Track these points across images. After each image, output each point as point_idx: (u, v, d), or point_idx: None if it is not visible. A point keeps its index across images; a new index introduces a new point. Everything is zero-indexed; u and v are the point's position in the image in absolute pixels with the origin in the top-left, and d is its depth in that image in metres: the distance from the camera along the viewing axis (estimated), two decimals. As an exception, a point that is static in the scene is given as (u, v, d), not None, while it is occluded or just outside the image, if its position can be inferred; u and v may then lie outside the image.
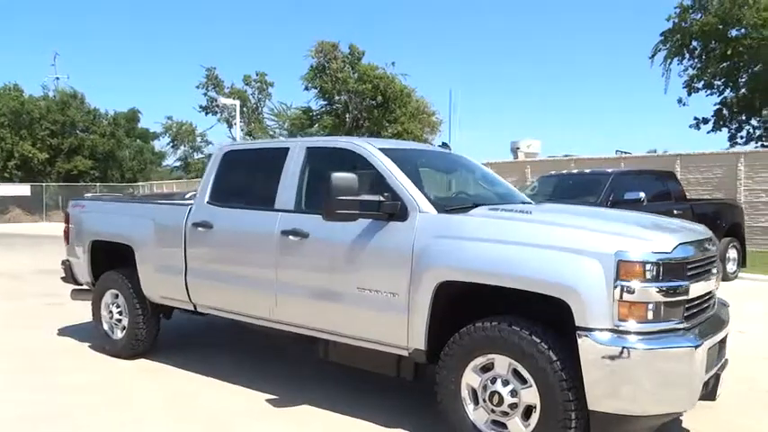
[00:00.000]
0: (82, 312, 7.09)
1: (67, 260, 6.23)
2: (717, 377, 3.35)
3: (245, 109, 40.40)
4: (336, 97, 34.73)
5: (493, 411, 3.34)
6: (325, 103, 35.63)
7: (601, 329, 2.99)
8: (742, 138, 25.29)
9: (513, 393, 3.27)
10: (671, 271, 3.05)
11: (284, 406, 4.31)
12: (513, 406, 3.27)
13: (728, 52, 21.40)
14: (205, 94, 41.73)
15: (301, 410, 4.21)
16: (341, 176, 3.65)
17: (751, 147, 23.59)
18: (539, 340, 3.16)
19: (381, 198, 3.73)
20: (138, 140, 50.64)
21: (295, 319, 4.27)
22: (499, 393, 3.29)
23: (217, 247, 4.72)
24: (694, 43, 22.98)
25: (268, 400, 4.40)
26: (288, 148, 4.53)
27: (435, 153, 4.91)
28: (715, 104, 25.01)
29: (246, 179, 4.95)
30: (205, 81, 40.95)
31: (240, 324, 4.89)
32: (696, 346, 3.03)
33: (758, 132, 25.38)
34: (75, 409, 4.25)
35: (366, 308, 3.81)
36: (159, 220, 5.20)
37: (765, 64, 21.88)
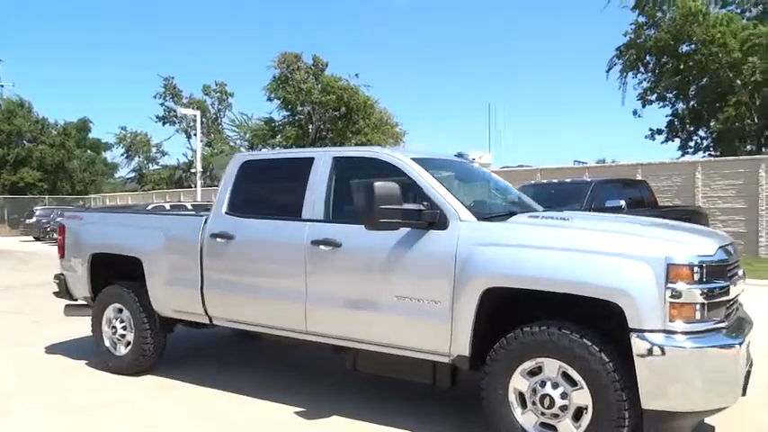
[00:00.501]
0: (63, 330, 6.90)
1: (62, 274, 6.00)
2: (748, 374, 3.52)
3: (204, 119, 39.70)
4: (299, 108, 34.60)
5: (543, 414, 3.40)
6: (288, 113, 35.45)
7: (653, 330, 3.10)
8: (691, 148, 26.53)
9: (564, 396, 3.34)
10: (714, 273, 3.20)
11: (315, 418, 4.25)
12: (564, 408, 3.34)
13: (681, 67, 22.43)
14: (162, 104, 40.94)
15: (333, 422, 4.18)
16: (383, 185, 3.67)
17: (698, 156, 24.81)
18: (590, 343, 3.25)
19: (421, 207, 3.77)
20: (89, 151, 49.03)
21: (326, 330, 4.24)
22: (550, 396, 3.36)
23: (238, 258, 4.64)
24: (648, 58, 23.99)
25: (297, 413, 4.34)
26: (312, 158, 4.51)
27: (456, 162, 4.98)
28: (667, 116, 26.21)
29: (267, 189, 4.90)
30: (163, 91, 40.13)
31: (260, 336, 4.83)
32: (740, 344, 3.19)
33: (705, 143, 26.69)
34: (102, 430, 4.09)
35: (406, 316, 3.82)
36: (171, 231, 5.08)
37: (712, 78, 23.06)
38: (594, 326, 3.38)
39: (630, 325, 3.13)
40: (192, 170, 34.94)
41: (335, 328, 4.19)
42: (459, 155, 5.15)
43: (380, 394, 4.71)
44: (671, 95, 25.08)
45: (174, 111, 39.43)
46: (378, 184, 3.67)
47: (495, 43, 65.58)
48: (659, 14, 22.55)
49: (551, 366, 3.38)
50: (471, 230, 3.69)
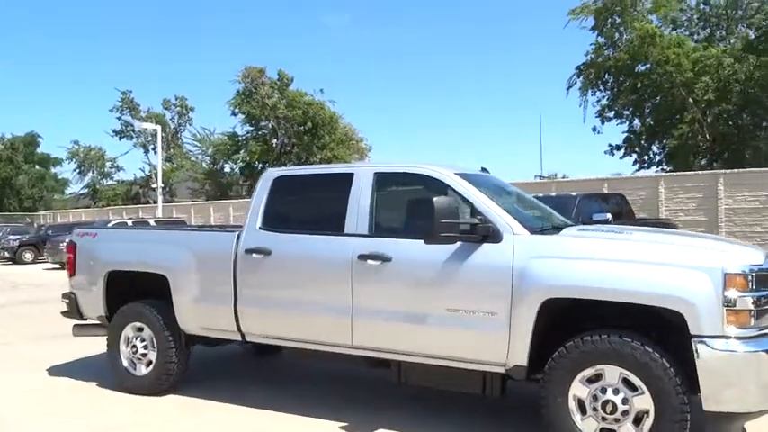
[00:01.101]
0: (60, 352, 6.71)
1: (72, 293, 5.80)
2: None
3: (163, 134, 38.90)
4: (263, 123, 34.35)
5: (604, 419, 3.53)
6: (252, 128, 35.12)
7: (713, 336, 3.29)
8: (646, 163, 27.70)
9: (625, 401, 3.48)
10: (763, 281, 3.42)
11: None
12: (625, 413, 3.48)
13: (638, 85, 23.49)
14: (119, 118, 39.87)
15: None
16: (443, 200, 3.77)
17: (652, 171, 25.93)
18: (651, 350, 3.41)
19: (477, 221, 3.88)
20: (37, 166, 47.28)
21: (373, 343, 4.27)
22: (612, 402, 3.49)
23: (277, 273, 4.62)
24: (607, 77, 25.02)
25: (342, 428, 4.34)
26: (352, 174, 4.55)
27: (484, 177, 5.11)
28: (623, 132, 27.34)
29: (303, 205, 4.91)
30: (120, 104, 39.12)
31: (296, 351, 4.80)
32: (787, 348, 3.41)
33: (659, 158, 27.94)
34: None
35: (460, 328, 3.90)
36: (201, 247, 5.02)
37: (666, 96, 24.22)
38: (647, 334, 3.54)
39: (692, 332, 3.31)
40: (153, 186, 34.16)
41: (383, 341, 4.22)
42: (484, 170, 5.28)
43: (410, 405, 4.75)
44: (628, 113, 26.19)
45: (132, 125, 38.50)
46: (437, 199, 3.76)
47: (454, 55, 66.75)
48: (617, 35, 23.58)
49: (612, 373, 3.51)
50: (526, 243, 3.81)
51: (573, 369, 3.59)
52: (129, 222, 22.62)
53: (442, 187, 4.22)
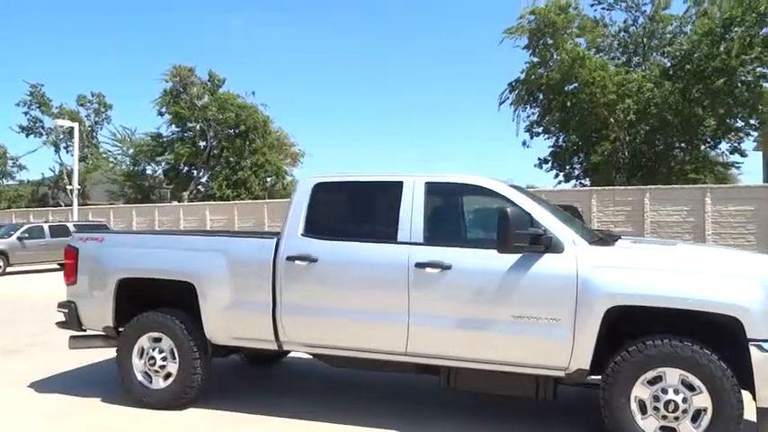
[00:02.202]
0: (33, 367, 6.33)
1: (72, 302, 5.42)
2: None
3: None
4: (191, 124, 33.19)
5: (664, 418, 3.80)
6: (178, 129, 33.81)
7: (766, 340, 3.64)
8: (572, 177, 29.37)
9: (684, 400, 3.77)
10: (803, 290, 3.84)
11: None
12: (684, 411, 3.77)
13: (567, 104, 24.93)
14: (27, 113, 37.05)
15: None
16: (515, 212, 3.93)
17: (570, 185, 27.55)
18: (710, 352, 3.72)
19: (541, 232, 4.06)
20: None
21: (429, 350, 4.32)
22: (674, 401, 3.76)
23: (325, 281, 4.56)
24: (539, 94, 26.36)
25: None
26: (401, 183, 4.60)
27: (526, 190, 5.28)
28: (549, 147, 28.87)
29: (349, 212, 4.89)
30: (29, 98, 36.37)
31: (335, 360, 4.77)
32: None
33: (577, 172, 29.70)
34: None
35: (523, 334, 4.05)
36: (235, 254, 4.84)
37: (589, 115, 25.80)
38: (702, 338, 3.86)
39: (748, 335, 3.64)
40: (64, 187, 32.02)
41: (441, 348, 4.29)
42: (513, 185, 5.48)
43: (454, 411, 4.86)
44: (555, 129, 27.68)
45: (41, 121, 35.95)
46: (510, 210, 3.92)
47: (389, 60, 67.21)
48: (548, 55, 24.91)
49: (672, 375, 3.79)
50: (588, 254, 4.03)
51: (636, 372, 3.84)
52: (46, 227, 21.11)
53: (498, 198, 4.37)
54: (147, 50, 63.33)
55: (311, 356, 5.02)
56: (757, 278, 3.73)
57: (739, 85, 22.01)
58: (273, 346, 4.81)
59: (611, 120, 24.74)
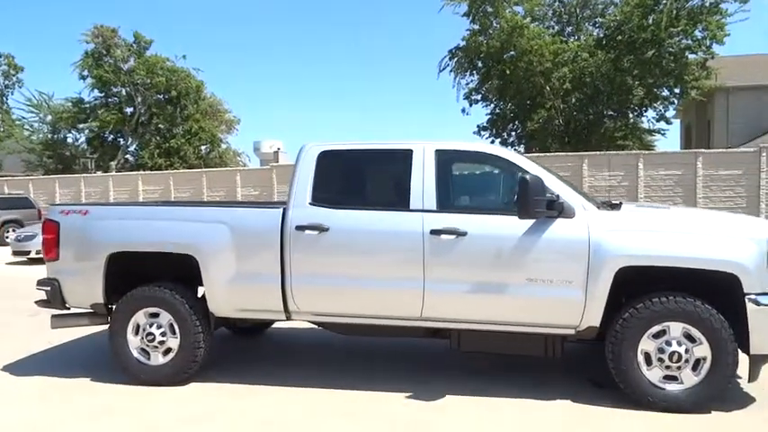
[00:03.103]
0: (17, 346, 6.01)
1: (54, 279, 5.13)
2: None
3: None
4: (116, 89, 31.32)
5: (667, 368, 4.11)
6: (102, 95, 31.83)
7: (760, 294, 3.99)
8: (504, 144, 30.12)
9: (687, 351, 4.09)
10: (784, 248, 4.21)
11: (432, 399, 4.43)
12: (686, 361, 4.09)
13: (506, 72, 25.40)
14: None
15: (456, 401, 4.41)
16: (534, 179, 4.06)
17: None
18: (710, 307, 4.04)
19: (555, 198, 4.21)
20: None
21: (444, 314, 4.44)
22: (678, 352, 4.08)
23: (337, 249, 4.54)
24: (479, 61, 26.67)
25: (408, 397, 4.47)
26: (411, 150, 4.62)
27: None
28: (487, 114, 29.45)
29: (357, 180, 4.85)
30: None
31: (345, 327, 4.81)
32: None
33: (512, 139, 30.54)
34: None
35: (537, 296, 4.24)
36: (240, 225, 4.72)
37: (528, 83, 26.44)
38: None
39: (745, 290, 3.98)
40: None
41: (456, 312, 4.41)
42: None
43: (467, 371, 5.03)
44: (493, 96, 28.21)
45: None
46: (530, 177, 4.04)
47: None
48: (488, 23, 25.19)
49: (676, 328, 4.10)
50: (597, 218, 4.24)
51: (643, 327, 4.12)
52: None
53: (509, 166, 4.49)
54: (64, 10, 58.72)
55: (315, 325, 5.05)
56: (753, 238, 4.06)
57: (667, 55, 23.16)
58: (281, 317, 4.78)
59: (547, 88, 25.47)
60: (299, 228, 4.58)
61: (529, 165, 4.48)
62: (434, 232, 4.37)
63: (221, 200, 21.75)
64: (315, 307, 4.68)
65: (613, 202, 4.79)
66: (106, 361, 5.30)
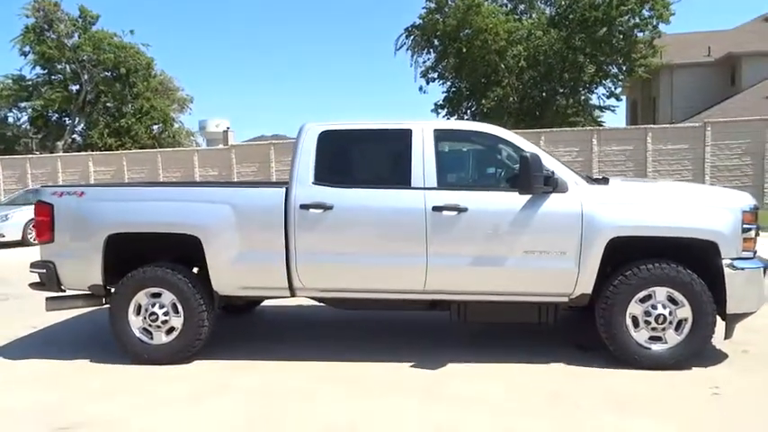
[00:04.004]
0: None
1: (50, 262, 5.08)
2: None
3: None
4: (60, 66, 29.95)
5: (653, 329, 4.47)
6: (45, 72, 30.38)
7: (736, 258, 4.38)
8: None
9: (671, 313, 4.46)
10: (756, 217, 4.61)
11: (435, 368, 4.66)
12: (670, 322, 4.46)
13: (463, 50, 25.67)
14: None
15: (458, 369, 4.66)
16: (534, 156, 4.29)
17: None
18: (691, 272, 4.41)
19: (550, 174, 4.47)
20: None
21: (446, 287, 4.66)
22: (663, 315, 4.44)
23: (343, 227, 4.67)
24: (435, 40, 26.83)
25: (412, 366, 4.69)
26: (410, 130, 4.77)
27: None
28: (443, 92, 29.73)
29: (358, 159, 4.98)
30: None
31: (348, 302, 4.98)
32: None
33: (467, 117, 30.97)
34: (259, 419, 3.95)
35: (534, 267, 4.51)
36: (244, 204, 4.79)
37: (480, 61, 26.80)
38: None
39: (723, 256, 4.36)
40: None
41: (457, 284, 4.65)
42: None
43: (464, 339, 5.29)
44: (449, 75, 28.47)
45: None
46: (530, 154, 4.28)
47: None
48: (444, 1, 25.33)
49: (661, 293, 4.46)
50: (589, 192, 4.52)
51: (631, 292, 4.46)
52: None
53: (506, 144, 4.74)
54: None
55: (317, 302, 5.20)
56: (729, 207, 4.44)
57: (617, 34, 23.94)
58: (286, 294, 4.90)
59: (502, 66, 25.91)
60: (304, 206, 4.69)
61: (523, 143, 4.71)
62: (436, 209, 4.56)
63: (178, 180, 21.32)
64: (320, 283, 4.82)
65: (597, 177, 5.09)
66: (102, 343, 5.33)
